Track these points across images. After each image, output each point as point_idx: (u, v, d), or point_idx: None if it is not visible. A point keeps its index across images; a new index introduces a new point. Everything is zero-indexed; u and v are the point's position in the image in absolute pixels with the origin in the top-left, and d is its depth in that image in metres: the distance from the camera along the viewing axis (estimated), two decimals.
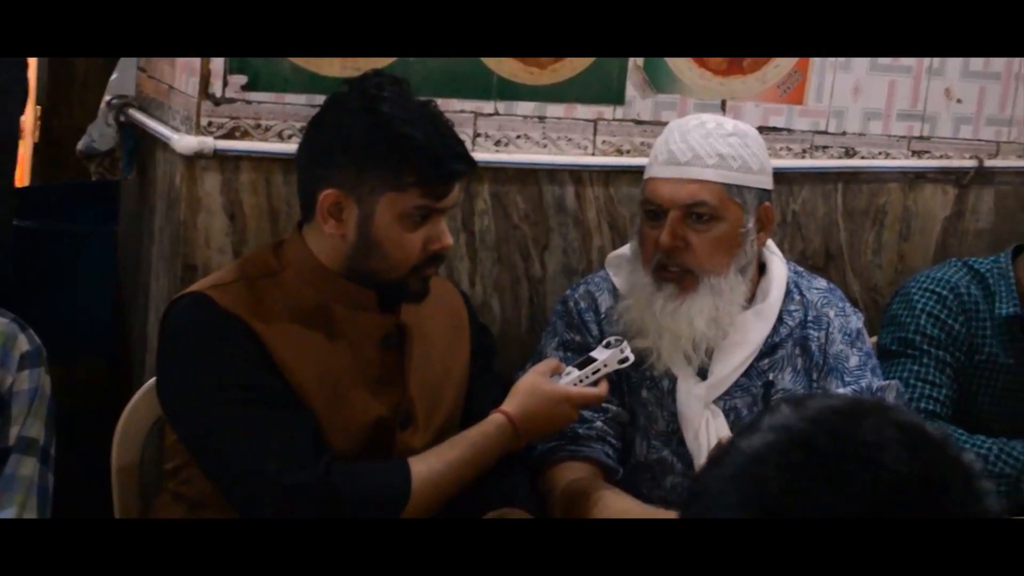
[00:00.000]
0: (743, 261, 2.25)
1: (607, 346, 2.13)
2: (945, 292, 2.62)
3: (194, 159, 2.29)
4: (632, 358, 2.11)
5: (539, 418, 2.07)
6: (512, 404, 2.07)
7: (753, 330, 2.28)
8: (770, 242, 2.39)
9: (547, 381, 2.09)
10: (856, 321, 2.39)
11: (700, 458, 2.21)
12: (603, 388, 2.10)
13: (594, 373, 2.09)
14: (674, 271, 2.22)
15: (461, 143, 2.05)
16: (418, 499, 1.96)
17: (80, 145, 3.92)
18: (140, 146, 2.65)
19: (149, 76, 2.66)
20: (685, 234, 2.21)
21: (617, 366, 2.11)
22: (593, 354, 2.13)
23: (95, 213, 3.40)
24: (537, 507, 2.14)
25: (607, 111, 2.58)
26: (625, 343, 2.11)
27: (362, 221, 1.99)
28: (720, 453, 1.01)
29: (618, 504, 2.11)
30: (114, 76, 3.81)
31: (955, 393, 2.56)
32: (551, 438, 2.19)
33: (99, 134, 3.79)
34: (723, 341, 2.25)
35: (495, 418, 2.06)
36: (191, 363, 1.99)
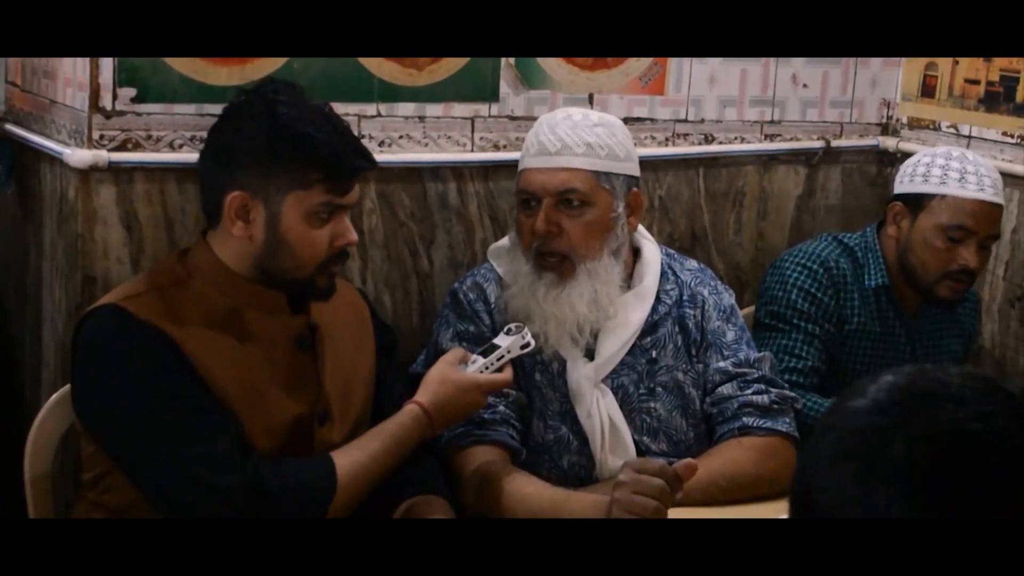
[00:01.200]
0: (615, 244, 2.38)
1: (508, 332, 2.22)
2: (816, 267, 2.76)
3: (88, 172, 2.31)
4: (533, 343, 2.21)
5: (451, 406, 2.16)
6: (425, 394, 2.15)
7: (633, 311, 2.41)
8: (642, 227, 2.51)
9: (456, 370, 2.17)
10: (728, 298, 2.54)
11: (594, 435, 2.33)
12: (508, 373, 2.20)
13: (499, 359, 2.18)
14: (552, 260, 2.34)
15: (359, 141, 2.14)
16: (344, 491, 2.03)
17: None
18: (18, 161, 2.65)
19: (24, 91, 2.66)
20: (559, 220, 2.33)
21: (520, 351, 2.20)
22: (496, 341, 2.22)
23: None
24: (448, 493, 2.23)
25: (483, 108, 2.68)
26: (526, 329, 2.21)
27: (269, 221, 2.05)
28: (826, 421, 1.04)
29: (528, 487, 2.20)
30: None
31: (823, 364, 2.72)
32: (459, 425, 2.28)
33: None
34: (606, 323, 2.37)
35: (410, 409, 2.14)
36: (112, 374, 2.02)
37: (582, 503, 2.15)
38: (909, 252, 2.73)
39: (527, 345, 2.21)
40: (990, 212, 2.68)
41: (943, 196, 2.68)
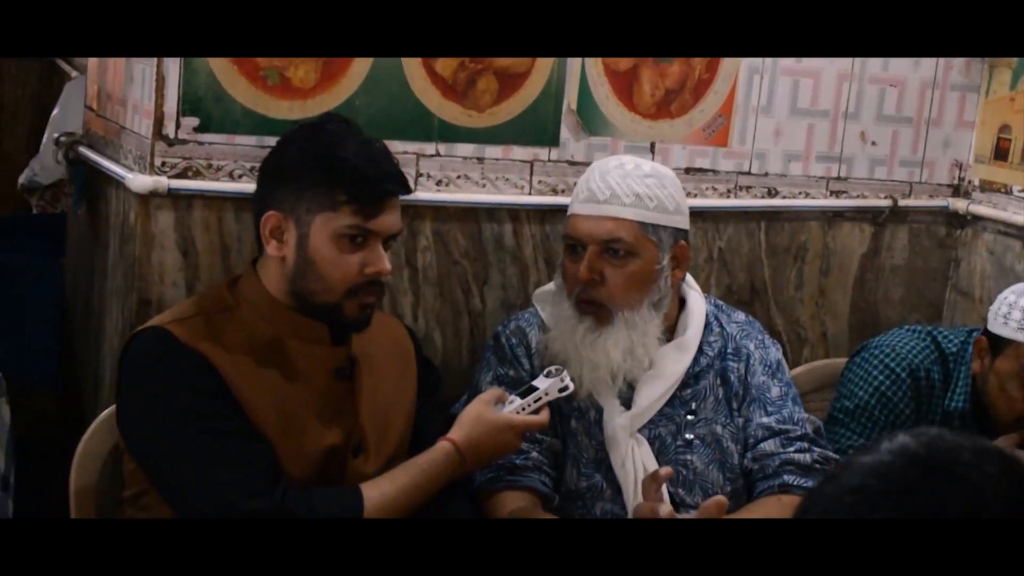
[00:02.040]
0: (656, 296, 2.37)
1: (548, 375, 2.23)
2: (903, 373, 2.62)
3: (148, 197, 2.38)
4: (572, 387, 2.22)
5: (484, 445, 2.17)
6: (459, 432, 2.17)
7: (674, 362, 2.40)
8: (689, 277, 2.51)
9: (491, 410, 2.19)
10: (775, 352, 2.52)
11: (627, 484, 2.33)
12: (544, 416, 2.20)
13: (536, 401, 2.19)
14: (592, 307, 2.35)
15: (396, 168, 2.16)
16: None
17: (22, 179, 4.00)
18: (90, 183, 2.73)
19: (98, 115, 2.74)
20: (601, 268, 2.34)
21: (557, 395, 2.21)
22: (535, 383, 2.23)
23: (38, 246, 3.46)
24: None
25: (542, 152, 2.71)
26: (565, 372, 2.22)
27: (300, 241, 2.10)
28: (837, 470, 1.05)
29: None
30: (56, 112, 3.88)
31: None
32: (490, 469, 2.29)
33: (42, 168, 3.87)
34: (645, 373, 2.37)
35: (443, 445, 2.16)
36: (153, 395, 2.07)
37: None
38: (985, 391, 2.57)
39: (565, 388, 2.21)
40: None
41: (1019, 344, 2.51)
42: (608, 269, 2.33)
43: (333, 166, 2.07)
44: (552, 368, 2.25)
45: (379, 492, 2.09)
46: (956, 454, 1.00)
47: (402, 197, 2.28)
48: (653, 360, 2.36)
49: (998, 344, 2.54)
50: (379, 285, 2.16)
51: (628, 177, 2.36)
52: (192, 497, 2.02)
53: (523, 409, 2.19)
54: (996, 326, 2.54)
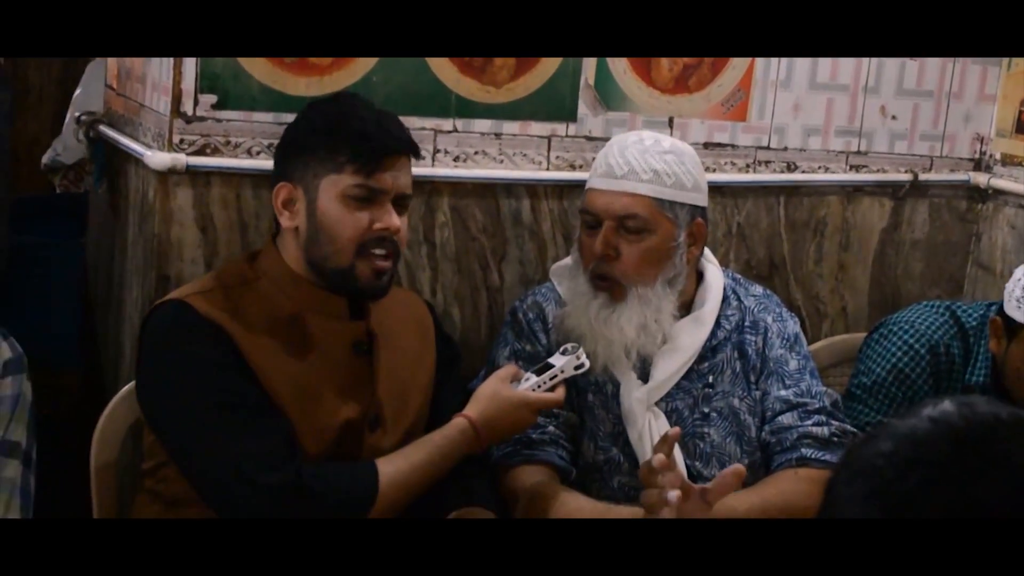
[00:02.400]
0: (671, 273, 2.37)
1: (564, 352, 2.23)
2: (922, 350, 2.60)
3: (167, 174, 2.39)
4: (588, 364, 2.22)
5: (499, 422, 2.18)
6: (474, 409, 2.18)
7: (691, 335, 2.40)
8: (707, 251, 2.51)
9: (507, 387, 2.20)
10: (793, 325, 2.52)
11: (644, 457, 2.32)
12: (560, 393, 2.21)
13: (551, 379, 2.20)
14: (606, 282, 2.35)
15: (402, 129, 2.18)
16: (385, 498, 2.06)
17: (45, 159, 4.02)
18: (110, 161, 2.75)
19: (118, 94, 2.76)
20: (617, 244, 2.34)
21: (573, 372, 2.22)
22: (551, 360, 2.24)
23: (61, 225, 3.48)
24: (498, 507, 2.26)
25: (560, 128, 2.71)
26: (581, 350, 2.22)
27: (309, 208, 2.13)
28: (877, 431, 1.04)
29: (573, 503, 2.23)
30: (78, 92, 3.90)
31: None
32: (507, 443, 2.30)
33: (64, 148, 3.90)
34: (662, 347, 2.37)
35: (458, 422, 2.17)
36: (171, 367, 2.09)
37: (624, 516, 2.17)
38: (1003, 373, 2.55)
39: (581, 366, 2.22)
40: None
41: None
42: (623, 245, 2.33)
43: (335, 129, 2.12)
44: (568, 345, 2.26)
45: (394, 468, 2.10)
46: (994, 430, 0.99)
47: (419, 172, 2.29)
48: (668, 335, 2.36)
49: (1013, 327, 2.51)
50: (391, 244, 2.15)
51: (647, 153, 2.35)
52: (209, 469, 2.04)
53: (539, 387, 2.20)
54: (1011, 309, 2.50)
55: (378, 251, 2.13)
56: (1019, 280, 2.50)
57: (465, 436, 2.16)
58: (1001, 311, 2.55)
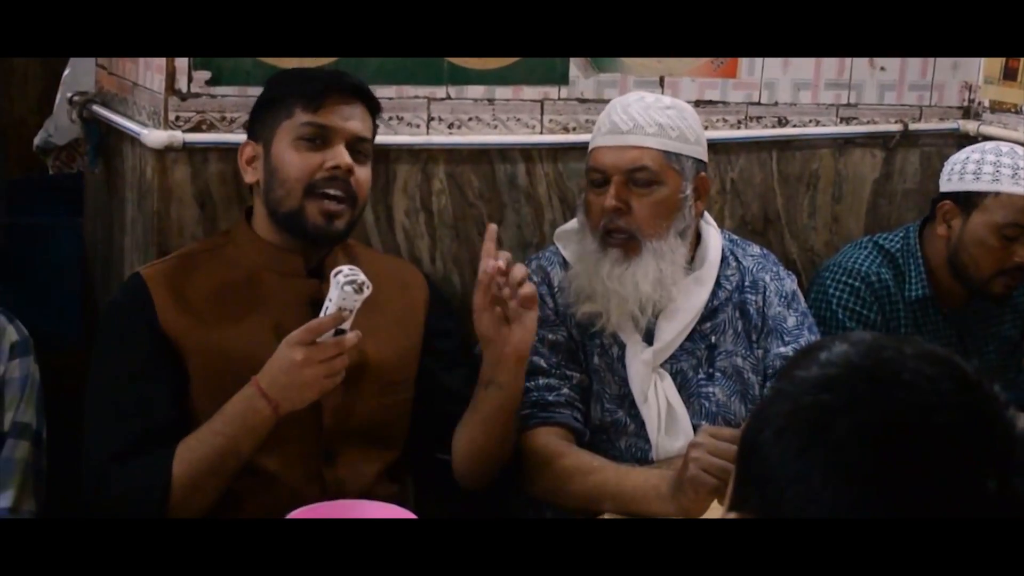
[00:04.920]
0: (682, 225, 2.39)
1: (339, 283, 2.01)
2: (857, 283, 2.75)
3: (164, 152, 2.40)
4: (359, 278, 2.00)
5: (279, 375, 2.02)
6: (262, 371, 2.06)
7: (693, 295, 2.42)
8: (705, 212, 2.53)
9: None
10: (790, 283, 2.54)
11: (651, 418, 2.36)
12: (321, 318, 2.02)
13: (325, 312, 2.01)
14: (619, 238, 2.36)
15: (355, 78, 2.24)
16: (182, 488, 2.05)
17: (37, 140, 4.01)
18: (105, 140, 2.75)
19: (110, 73, 2.76)
20: (628, 198, 2.35)
21: (351, 295, 1.98)
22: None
23: (55, 206, 3.48)
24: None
25: (552, 91, 2.72)
26: (347, 269, 2.01)
27: (266, 158, 2.20)
28: (778, 386, 1.05)
29: (593, 462, 2.26)
30: (67, 72, 3.88)
31: None
32: (524, 406, 2.29)
33: (56, 129, 3.88)
34: (666, 308, 2.39)
35: (246, 386, 2.06)
36: (98, 345, 2.20)
37: (646, 474, 2.19)
38: (961, 251, 2.70)
39: (353, 284, 1.98)
40: None
41: (997, 194, 2.64)
42: (634, 199, 2.35)
43: (286, 79, 2.23)
44: (337, 272, 2.03)
45: (188, 452, 2.06)
46: (901, 362, 1.00)
47: (414, 140, 2.30)
48: (679, 289, 2.38)
49: (970, 200, 2.67)
50: (343, 184, 2.15)
51: (650, 109, 2.38)
52: (86, 440, 2.13)
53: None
54: (964, 184, 2.67)
55: (329, 191, 2.15)
56: (968, 158, 2.69)
57: (251, 399, 2.03)
58: (946, 195, 2.71)
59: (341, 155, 2.15)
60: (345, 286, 1.98)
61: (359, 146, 2.19)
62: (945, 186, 2.74)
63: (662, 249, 2.36)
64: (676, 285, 2.38)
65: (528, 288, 2.13)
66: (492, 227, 2.18)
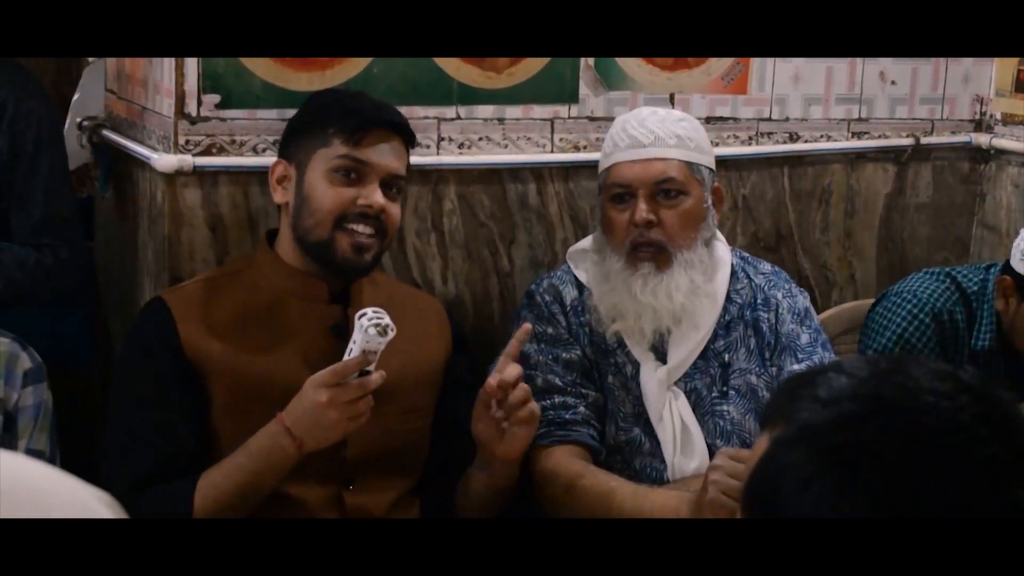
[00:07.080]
0: (707, 234, 2.41)
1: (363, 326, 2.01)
2: (926, 319, 2.58)
3: (174, 176, 2.40)
4: (384, 321, 1.99)
5: (302, 415, 2.03)
6: (287, 408, 2.06)
7: (704, 314, 2.41)
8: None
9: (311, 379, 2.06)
10: (803, 300, 2.53)
11: (666, 437, 2.35)
12: (346, 361, 2.03)
13: (350, 353, 2.01)
14: (649, 251, 2.35)
15: (396, 112, 2.24)
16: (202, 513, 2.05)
17: None
18: (115, 165, 2.75)
19: (119, 98, 2.76)
20: (656, 211, 2.35)
21: (375, 337, 1.98)
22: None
23: None
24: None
25: (562, 110, 2.71)
26: (371, 312, 2.00)
27: (298, 181, 2.18)
28: (778, 435, 1.00)
29: (611, 482, 2.25)
30: (76, 97, 3.89)
31: None
32: (542, 423, 2.24)
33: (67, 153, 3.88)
34: (676, 328, 2.38)
35: (271, 423, 2.06)
36: (121, 358, 2.22)
37: (665, 496, 2.18)
38: (1012, 332, 2.55)
39: (378, 326, 1.97)
40: None
41: None
42: (662, 211, 2.35)
43: (328, 106, 2.21)
44: (365, 313, 2.02)
45: (210, 487, 2.06)
46: (914, 385, 0.98)
47: (424, 161, 2.29)
48: (707, 294, 2.38)
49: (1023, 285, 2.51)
50: (374, 221, 2.16)
51: (665, 121, 2.39)
52: (106, 465, 2.12)
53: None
54: (1020, 266, 2.51)
55: (359, 227, 2.15)
56: None
57: (275, 436, 2.04)
58: (1009, 269, 2.55)
59: (374, 195, 2.15)
60: (369, 329, 1.97)
61: (393, 182, 2.20)
62: (1013, 261, 2.53)
63: (692, 259, 2.36)
64: (707, 293, 2.38)
65: (525, 411, 2.11)
66: (526, 327, 2.17)
